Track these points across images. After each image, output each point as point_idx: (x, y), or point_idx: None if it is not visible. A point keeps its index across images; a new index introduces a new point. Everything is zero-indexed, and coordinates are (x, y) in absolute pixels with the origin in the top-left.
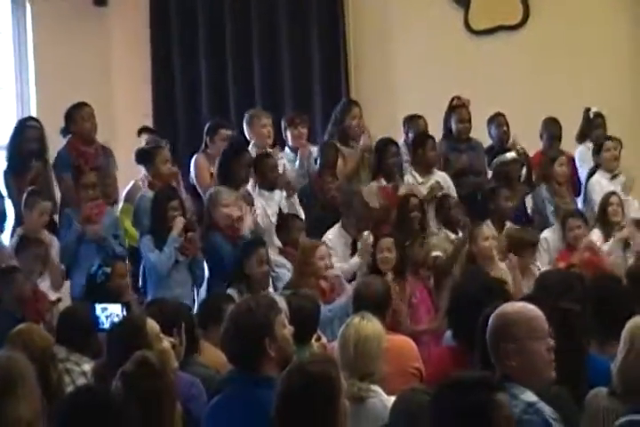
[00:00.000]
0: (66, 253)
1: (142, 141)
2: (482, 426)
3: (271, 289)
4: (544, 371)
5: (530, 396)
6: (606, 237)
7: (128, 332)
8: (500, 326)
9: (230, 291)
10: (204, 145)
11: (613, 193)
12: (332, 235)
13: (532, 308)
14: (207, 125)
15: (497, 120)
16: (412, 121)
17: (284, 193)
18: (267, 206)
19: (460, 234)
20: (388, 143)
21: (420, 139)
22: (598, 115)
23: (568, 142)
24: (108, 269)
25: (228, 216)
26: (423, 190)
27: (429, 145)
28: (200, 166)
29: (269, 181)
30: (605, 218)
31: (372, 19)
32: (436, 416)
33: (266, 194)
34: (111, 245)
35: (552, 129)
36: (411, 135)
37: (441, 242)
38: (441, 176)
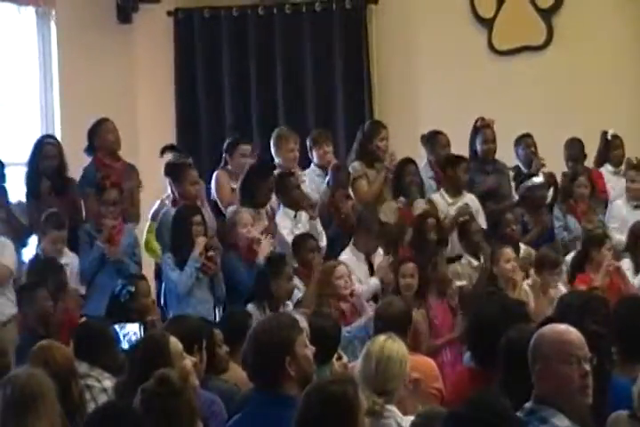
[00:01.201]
0: (87, 272)
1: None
2: None
3: (290, 307)
4: (576, 396)
5: (561, 419)
6: (637, 267)
7: (151, 350)
8: (534, 347)
9: (250, 307)
10: (223, 162)
11: None
12: (346, 255)
13: (570, 331)
14: (226, 142)
15: (524, 141)
16: (434, 138)
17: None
18: (295, 228)
19: (482, 259)
20: (406, 162)
21: (451, 159)
22: (616, 137)
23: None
24: (132, 289)
25: (247, 238)
26: (452, 211)
27: (462, 167)
28: (221, 182)
29: (292, 199)
30: (637, 249)
31: (396, 38)
32: None
33: (291, 213)
34: (127, 267)
35: (573, 150)
36: (434, 153)
37: (465, 269)
38: (470, 199)
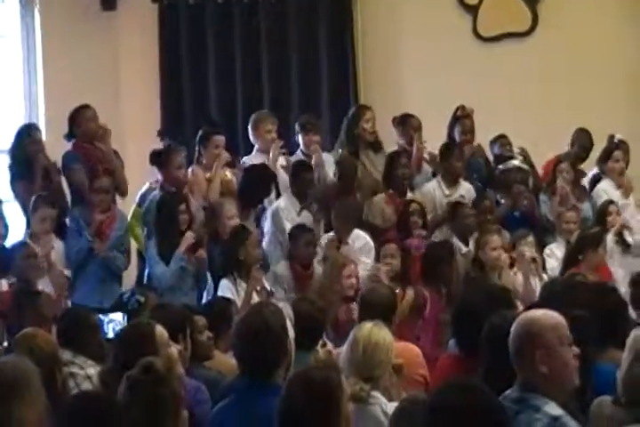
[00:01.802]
0: (74, 262)
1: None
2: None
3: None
4: (571, 378)
5: (554, 408)
6: None
7: (137, 338)
8: (532, 332)
9: (224, 283)
10: (197, 154)
11: (611, 202)
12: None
13: (556, 315)
14: (199, 134)
15: (500, 142)
16: (405, 121)
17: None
18: (297, 217)
19: (471, 245)
20: (397, 155)
21: (446, 149)
22: (622, 141)
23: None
24: (142, 299)
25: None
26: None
27: (455, 155)
28: (197, 178)
29: (303, 192)
30: (604, 226)
31: (381, 25)
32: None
33: (296, 203)
34: (115, 263)
35: (583, 140)
36: (404, 135)
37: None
38: (466, 189)
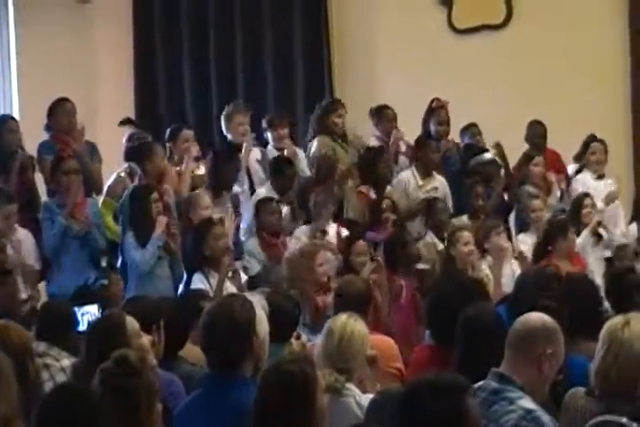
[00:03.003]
0: (49, 247)
1: (125, 135)
2: None
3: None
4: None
5: (528, 402)
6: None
7: (108, 329)
8: (551, 329)
9: (197, 276)
10: (168, 152)
11: (587, 195)
12: (302, 232)
13: None
14: (168, 131)
15: (470, 131)
16: (380, 112)
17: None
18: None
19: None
20: (380, 153)
21: (421, 141)
22: (601, 142)
23: (552, 142)
24: (106, 282)
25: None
26: (421, 194)
27: (431, 147)
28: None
29: (284, 186)
30: (578, 219)
31: (356, 17)
32: (406, 421)
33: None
34: (95, 238)
35: (535, 131)
36: (380, 127)
37: (430, 252)
38: (440, 181)
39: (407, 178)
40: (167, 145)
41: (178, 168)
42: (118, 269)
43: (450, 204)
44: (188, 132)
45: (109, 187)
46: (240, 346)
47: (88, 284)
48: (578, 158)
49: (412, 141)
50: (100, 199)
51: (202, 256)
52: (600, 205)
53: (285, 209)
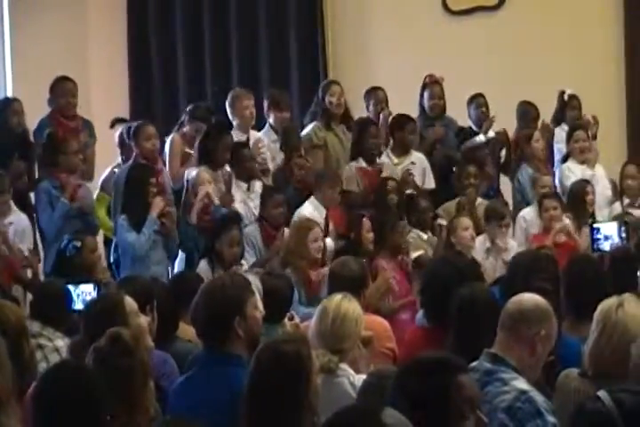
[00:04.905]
0: (51, 231)
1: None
2: (443, 409)
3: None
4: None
5: (522, 383)
6: (579, 225)
7: (105, 309)
8: (544, 310)
9: (202, 263)
10: (178, 124)
11: (587, 181)
12: (307, 210)
13: None
14: (189, 107)
15: (476, 101)
16: (372, 92)
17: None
18: (248, 199)
19: (430, 234)
20: (367, 124)
21: (400, 121)
22: (573, 97)
23: None
24: (78, 244)
25: (203, 199)
26: (398, 172)
27: (409, 128)
28: (174, 146)
29: (245, 171)
30: (581, 206)
31: None
32: (399, 401)
33: (243, 186)
34: (93, 221)
35: (526, 112)
36: (371, 108)
37: (417, 242)
38: (417, 157)
39: (382, 160)
40: (182, 117)
41: (188, 150)
42: (112, 263)
43: (431, 178)
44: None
45: (103, 181)
46: (223, 324)
47: (61, 247)
48: (556, 121)
49: None
50: (95, 193)
51: (213, 249)
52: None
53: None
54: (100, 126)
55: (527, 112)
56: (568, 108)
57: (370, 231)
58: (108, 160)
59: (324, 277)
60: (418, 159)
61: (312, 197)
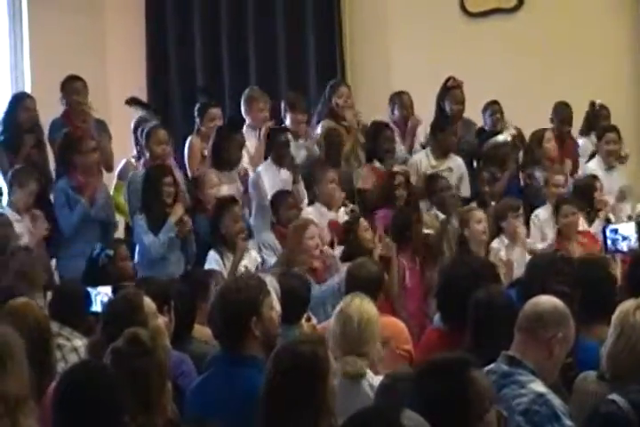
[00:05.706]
0: (71, 231)
1: (136, 114)
2: (459, 406)
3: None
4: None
5: (539, 386)
6: (590, 221)
7: (125, 309)
8: (562, 313)
9: (212, 253)
10: (197, 126)
11: (595, 177)
12: (309, 211)
13: None
14: (196, 106)
15: (491, 108)
16: (397, 97)
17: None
18: (273, 182)
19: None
20: (382, 127)
21: (440, 122)
22: (603, 107)
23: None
24: (111, 252)
25: (215, 198)
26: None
27: (450, 130)
28: (193, 148)
29: (279, 155)
30: (590, 200)
31: (369, 1)
32: (417, 404)
33: (274, 169)
34: (114, 220)
35: (562, 113)
36: (396, 112)
37: (432, 221)
38: (455, 162)
39: (419, 159)
40: (196, 120)
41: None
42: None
43: (466, 186)
44: (215, 111)
45: (120, 172)
46: (239, 325)
47: (94, 256)
48: (586, 131)
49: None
50: (113, 183)
51: (218, 234)
52: (610, 199)
53: None
54: (117, 122)
55: (562, 112)
56: (600, 118)
57: (367, 230)
58: (125, 153)
59: (330, 264)
60: (456, 165)
61: (317, 203)
